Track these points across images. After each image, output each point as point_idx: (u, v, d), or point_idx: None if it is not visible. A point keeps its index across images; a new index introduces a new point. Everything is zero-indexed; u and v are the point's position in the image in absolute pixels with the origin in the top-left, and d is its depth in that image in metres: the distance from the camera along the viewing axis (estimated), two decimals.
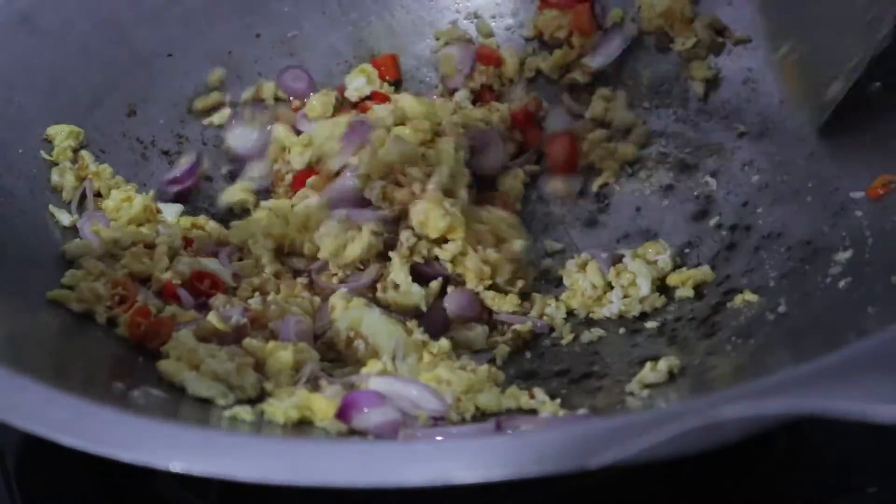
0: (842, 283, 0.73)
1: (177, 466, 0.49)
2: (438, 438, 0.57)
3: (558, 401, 0.70)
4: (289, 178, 0.96)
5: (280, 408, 0.66)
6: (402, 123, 0.95)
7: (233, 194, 0.97)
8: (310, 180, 0.94)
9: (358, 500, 0.59)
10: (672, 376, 0.72)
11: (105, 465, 0.75)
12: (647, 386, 0.72)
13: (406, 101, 0.98)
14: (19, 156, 0.86)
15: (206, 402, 0.68)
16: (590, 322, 0.86)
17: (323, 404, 0.66)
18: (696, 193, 0.94)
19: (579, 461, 0.46)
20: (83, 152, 0.91)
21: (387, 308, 0.83)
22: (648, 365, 0.74)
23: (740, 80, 0.98)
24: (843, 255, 0.76)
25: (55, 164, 0.88)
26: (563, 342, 0.84)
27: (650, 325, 0.83)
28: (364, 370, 0.72)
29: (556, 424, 0.48)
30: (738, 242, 0.87)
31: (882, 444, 0.74)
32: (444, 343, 0.78)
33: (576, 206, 0.98)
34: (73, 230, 0.86)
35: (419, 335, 0.78)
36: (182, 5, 1.02)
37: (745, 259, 0.85)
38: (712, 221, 0.91)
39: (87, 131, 0.93)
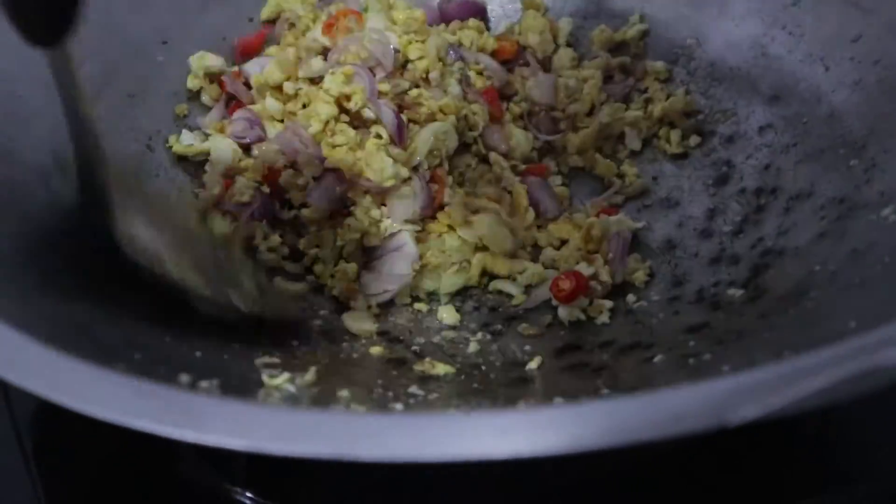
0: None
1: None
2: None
3: None
4: None
5: None
6: None
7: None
8: None
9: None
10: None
11: (127, 446, 0.73)
12: None
13: None
14: (26, 149, 0.81)
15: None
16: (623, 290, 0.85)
17: None
18: (713, 159, 0.94)
19: (719, 417, 0.44)
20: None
21: None
22: None
23: (747, 46, 0.97)
24: (887, 211, 0.75)
25: None
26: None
27: (687, 290, 0.82)
28: None
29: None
30: (765, 205, 0.87)
31: (874, 434, 0.75)
32: None
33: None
34: None
35: None
36: None
37: (777, 221, 0.84)
38: (734, 186, 0.91)
39: None
